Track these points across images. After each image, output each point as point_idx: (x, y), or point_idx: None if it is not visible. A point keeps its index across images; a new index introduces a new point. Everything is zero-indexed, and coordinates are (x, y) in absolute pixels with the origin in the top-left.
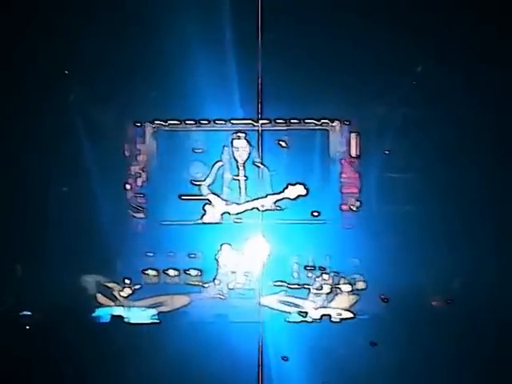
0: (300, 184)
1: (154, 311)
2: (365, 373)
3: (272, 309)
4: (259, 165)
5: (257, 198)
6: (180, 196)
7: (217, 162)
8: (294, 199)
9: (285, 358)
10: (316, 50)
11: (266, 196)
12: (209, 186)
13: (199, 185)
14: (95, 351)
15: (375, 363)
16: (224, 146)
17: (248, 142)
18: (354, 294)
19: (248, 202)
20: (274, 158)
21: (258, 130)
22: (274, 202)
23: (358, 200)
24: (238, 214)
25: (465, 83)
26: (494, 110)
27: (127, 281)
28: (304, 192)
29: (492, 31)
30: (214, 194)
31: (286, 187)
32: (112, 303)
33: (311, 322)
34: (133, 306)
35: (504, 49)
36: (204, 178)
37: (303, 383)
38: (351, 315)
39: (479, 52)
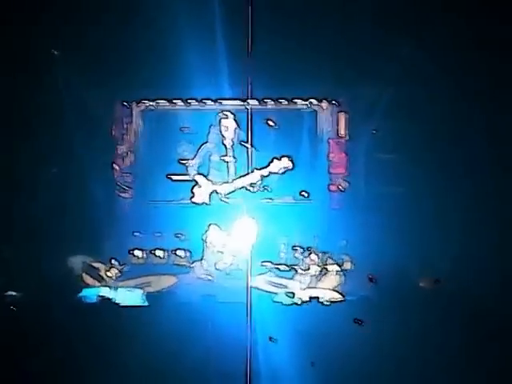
0: (285, 157)
1: (140, 291)
2: (352, 353)
3: (259, 289)
4: (246, 145)
5: (244, 175)
6: (167, 175)
7: (203, 144)
8: (282, 173)
9: (272, 339)
10: (305, 30)
11: (252, 171)
12: (196, 166)
13: (187, 164)
14: (82, 331)
15: (363, 344)
16: (210, 126)
17: (236, 121)
18: (341, 274)
19: (235, 179)
20: (261, 137)
21: (247, 110)
22: (261, 178)
23: (346, 180)
24: (226, 194)
25: (455, 64)
26: (485, 92)
27: (114, 261)
28: (290, 165)
29: (482, 13)
30: (201, 174)
31: (272, 161)
32: (98, 283)
33: (300, 304)
34: (119, 287)
35: (495, 31)
36: (192, 158)
37: (290, 363)
38: (339, 296)
39: (470, 34)
